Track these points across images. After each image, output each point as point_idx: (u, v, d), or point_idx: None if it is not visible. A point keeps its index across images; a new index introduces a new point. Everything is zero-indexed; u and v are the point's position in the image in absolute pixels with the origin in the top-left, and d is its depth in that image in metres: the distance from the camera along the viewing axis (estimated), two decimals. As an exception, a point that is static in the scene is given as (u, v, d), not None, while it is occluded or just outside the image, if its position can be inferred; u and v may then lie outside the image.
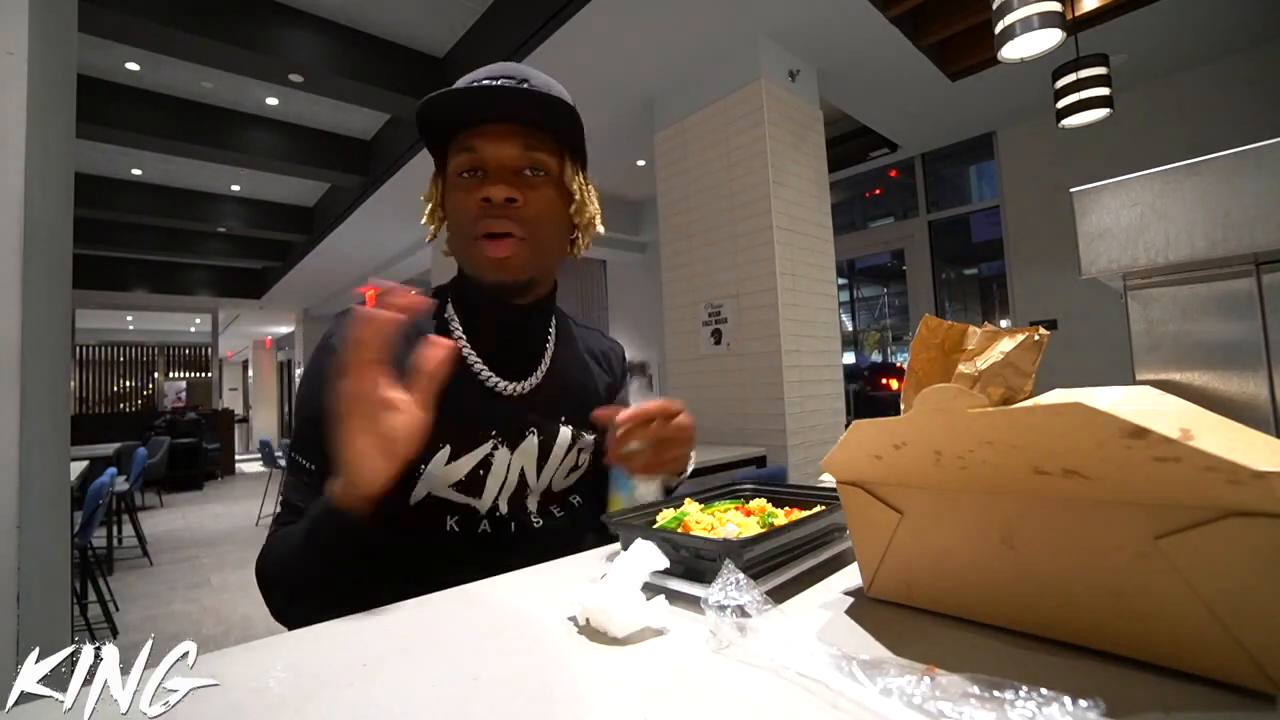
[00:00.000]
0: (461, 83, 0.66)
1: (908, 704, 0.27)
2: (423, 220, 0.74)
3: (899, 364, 5.95)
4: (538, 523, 0.72)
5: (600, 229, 0.76)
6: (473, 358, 0.71)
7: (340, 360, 0.53)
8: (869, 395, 5.76)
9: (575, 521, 0.77)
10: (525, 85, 0.66)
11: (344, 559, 0.57)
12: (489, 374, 0.71)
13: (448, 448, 0.67)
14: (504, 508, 0.70)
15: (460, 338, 0.71)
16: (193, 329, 13.09)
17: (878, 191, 5.67)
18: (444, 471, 0.66)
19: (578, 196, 0.71)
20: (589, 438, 0.78)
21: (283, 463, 5.60)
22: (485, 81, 0.65)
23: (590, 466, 0.81)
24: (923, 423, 0.36)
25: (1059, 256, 4.25)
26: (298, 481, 0.67)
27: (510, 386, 0.72)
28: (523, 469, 0.71)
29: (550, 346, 0.78)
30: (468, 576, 0.56)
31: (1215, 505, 0.28)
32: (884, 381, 5.84)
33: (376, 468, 0.53)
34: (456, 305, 0.74)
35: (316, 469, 0.65)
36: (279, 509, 0.69)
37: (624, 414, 0.65)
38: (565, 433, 0.75)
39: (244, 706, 0.33)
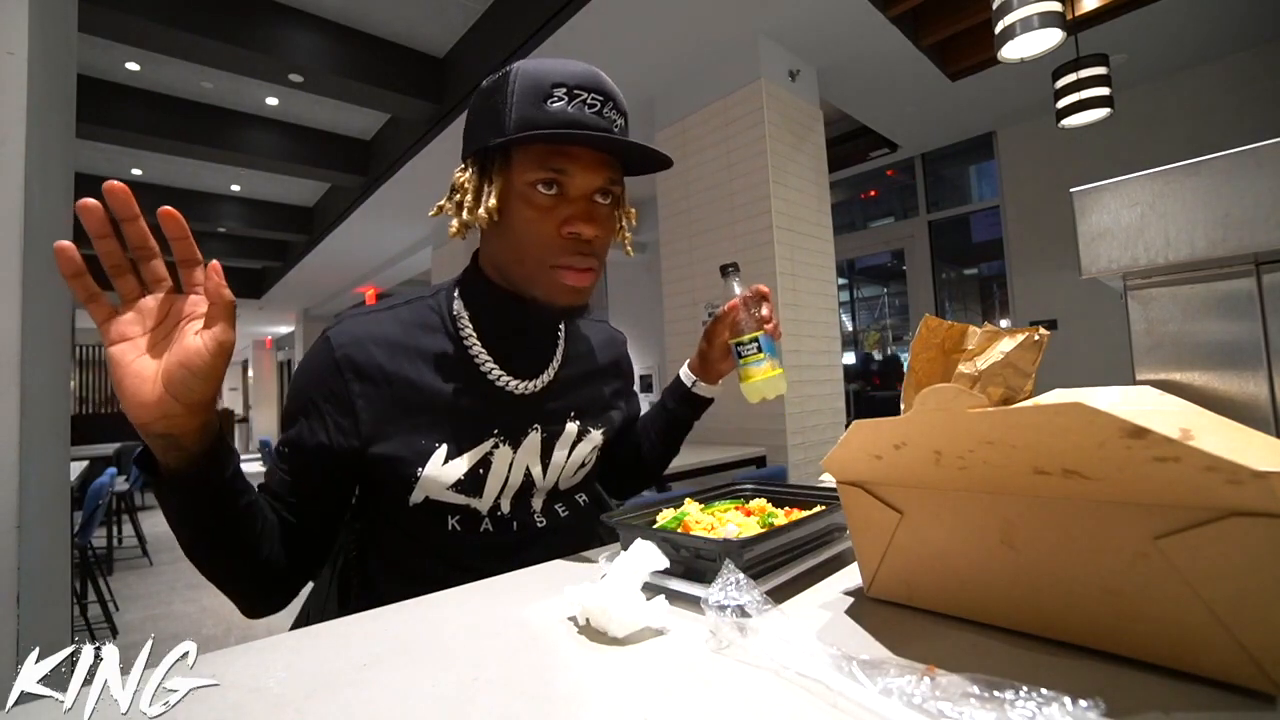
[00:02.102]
0: (544, 73, 0.61)
1: (908, 704, 0.27)
2: (449, 208, 0.67)
3: (900, 361, 5.97)
4: (541, 522, 0.72)
5: (629, 251, 0.74)
6: (482, 356, 0.70)
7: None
8: (869, 395, 5.77)
9: (581, 521, 0.77)
10: (612, 104, 0.64)
11: (199, 525, 0.56)
12: (499, 373, 0.70)
13: (444, 448, 0.66)
14: (506, 507, 0.70)
15: (469, 335, 0.71)
16: (193, 329, 13.05)
17: (873, 194, 5.68)
18: (440, 473, 0.66)
19: (621, 224, 0.71)
20: (596, 434, 0.78)
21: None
22: (578, 94, 0.61)
23: (597, 464, 0.81)
24: (923, 423, 0.36)
25: (1059, 256, 4.25)
26: (277, 464, 0.67)
27: (522, 385, 0.71)
28: (528, 467, 0.71)
29: (561, 343, 0.78)
30: (470, 576, 0.57)
31: (1215, 505, 0.28)
32: (876, 381, 5.86)
33: (130, 401, 0.47)
34: (467, 301, 0.72)
35: (289, 452, 0.66)
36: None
37: (754, 290, 0.79)
38: (571, 429, 0.75)
39: (244, 706, 0.33)
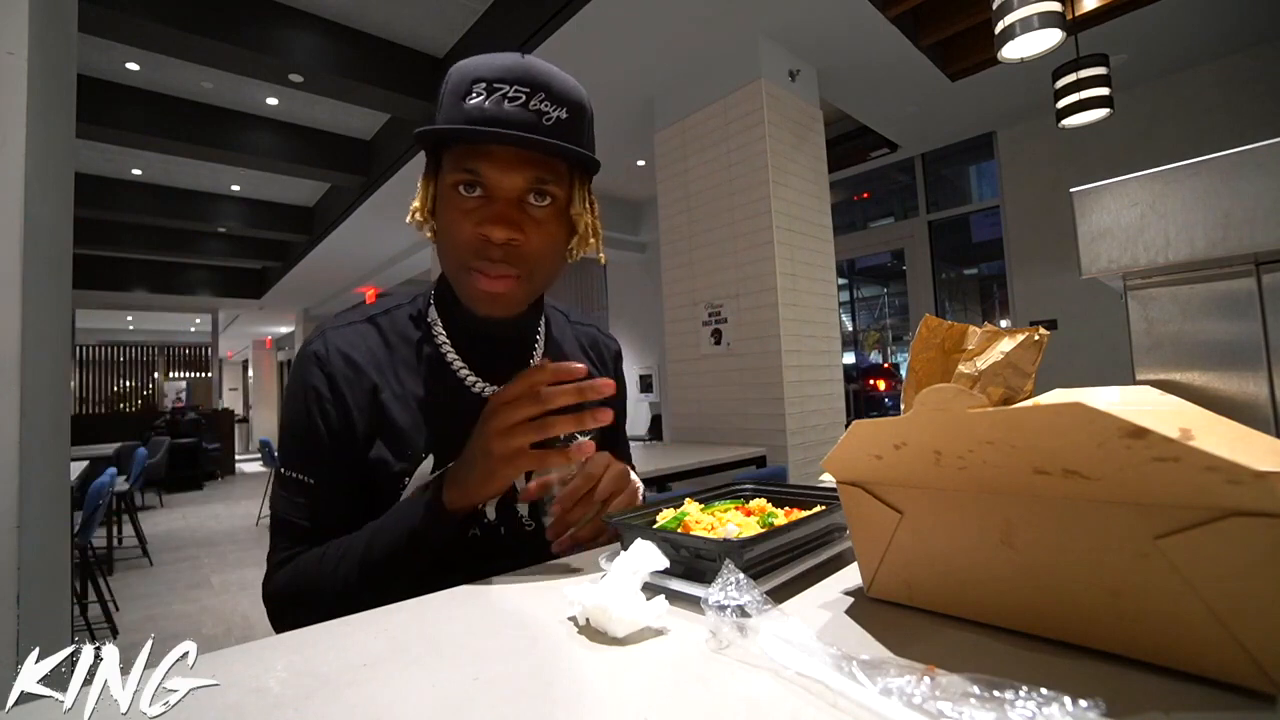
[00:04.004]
0: (469, 69, 0.60)
1: (908, 704, 0.27)
2: (409, 220, 0.67)
3: (885, 364, 6.00)
4: (530, 525, 0.71)
5: (602, 257, 0.71)
6: (457, 363, 0.69)
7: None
8: (869, 395, 5.78)
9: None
10: (544, 95, 0.59)
11: (422, 569, 0.58)
12: (475, 379, 0.69)
13: (431, 458, 0.65)
14: (491, 514, 0.69)
15: (444, 342, 0.69)
16: (193, 329, 13.09)
17: (865, 195, 5.69)
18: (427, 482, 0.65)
19: (580, 230, 0.67)
20: (581, 438, 0.77)
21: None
22: (498, 88, 0.58)
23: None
24: (923, 423, 0.36)
25: (1059, 256, 4.25)
26: (296, 499, 0.65)
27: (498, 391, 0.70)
28: None
29: (539, 346, 0.76)
30: (459, 578, 0.56)
31: (1215, 505, 0.28)
32: (871, 382, 5.87)
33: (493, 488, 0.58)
34: (440, 308, 0.71)
35: (315, 482, 0.64)
36: (277, 529, 0.66)
37: (558, 502, 0.62)
38: None
39: (244, 706, 0.33)
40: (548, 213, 0.63)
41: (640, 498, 0.70)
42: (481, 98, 0.58)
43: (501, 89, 0.58)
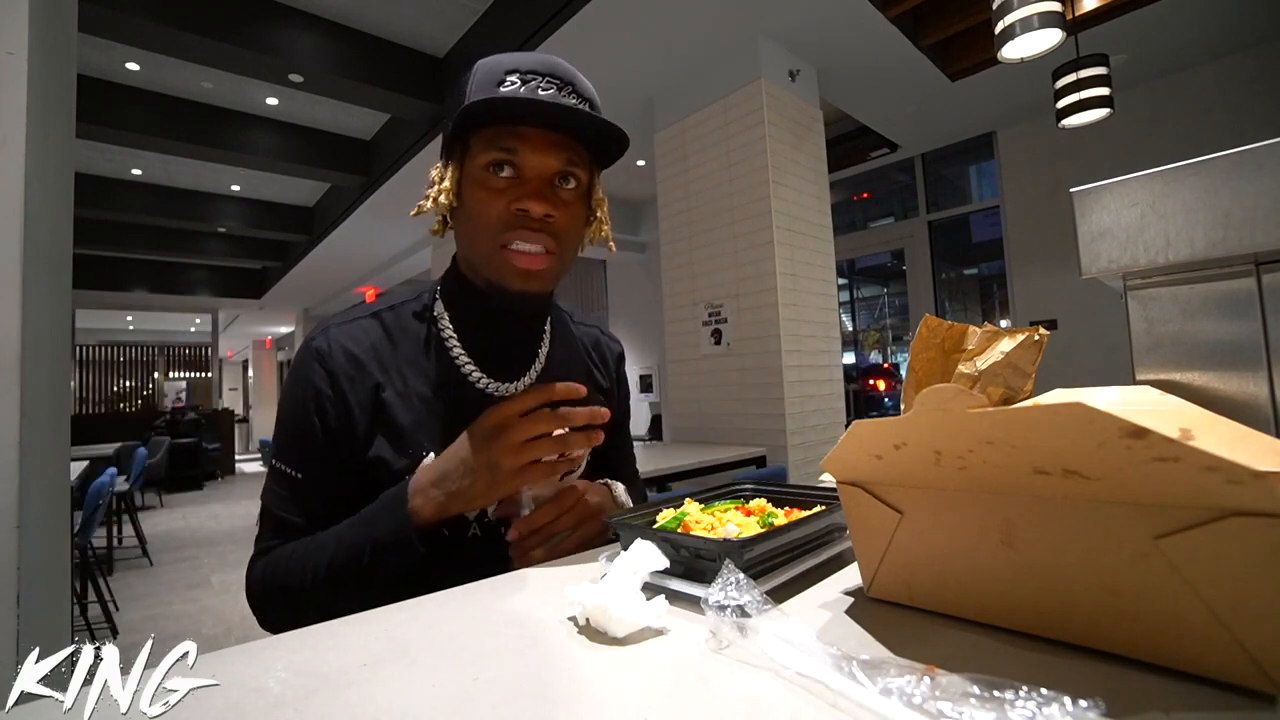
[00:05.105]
0: (499, 62, 0.63)
1: (908, 704, 0.27)
2: (426, 205, 0.67)
3: (885, 364, 6.00)
4: None
5: (612, 246, 0.73)
6: (463, 359, 0.69)
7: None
8: (869, 395, 5.78)
9: None
10: (571, 89, 0.63)
11: (389, 577, 0.58)
12: (480, 375, 0.69)
13: (432, 456, 0.65)
14: (492, 513, 0.69)
15: (450, 337, 0.69)
16: (193, 329, 13.10)
17: (865, 195, 5.69)
18: None
19: (598, 215, 0.71)
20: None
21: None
22: (531, 78, 0.62)
23: (587, 466, 0.80)
24: (923, 423, 0.36)
25: (1059, 256, 4.25)
26: (283, 492, 0.65)
27: (502, 388, 0.70)
28: None
29: (545, 345, 0.76)
30: (460, 580, 0.56)
31: (1215, 505, 0.28)
32: (871, 382, 5.88)
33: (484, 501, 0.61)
34: (447, 302, 0.72)
35: (304, 478, 0.64)
36: (263, 520, 0.67)
37: (515, 528, 0.64)
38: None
39: (244, 706, 0.33)
40: (573, 195, 0.66)
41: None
42: (516, 85, 0.61)
43: (535, 79, 0.62)
